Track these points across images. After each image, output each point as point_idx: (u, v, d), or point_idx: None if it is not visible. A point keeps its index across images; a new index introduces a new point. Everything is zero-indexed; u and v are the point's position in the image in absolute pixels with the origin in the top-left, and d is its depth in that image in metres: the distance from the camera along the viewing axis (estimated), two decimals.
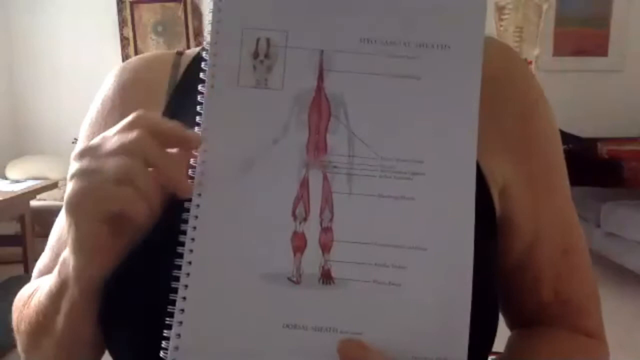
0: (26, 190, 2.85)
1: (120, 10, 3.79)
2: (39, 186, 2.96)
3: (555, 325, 0.57)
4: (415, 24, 0.44)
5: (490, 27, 3.15)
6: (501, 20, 3.19)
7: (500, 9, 3.17)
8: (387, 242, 0.42)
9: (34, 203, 2.94)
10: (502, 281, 0.56)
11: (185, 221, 0.42)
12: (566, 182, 0.58)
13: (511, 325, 0.61)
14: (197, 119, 0.43)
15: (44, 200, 3.17)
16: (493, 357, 0.56)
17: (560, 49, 3.91)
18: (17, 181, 3.19)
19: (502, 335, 0.56)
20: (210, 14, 0.44)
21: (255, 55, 0.44)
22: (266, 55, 0.43)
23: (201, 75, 0.44)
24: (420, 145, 0.43)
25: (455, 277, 0.42)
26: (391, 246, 0.42)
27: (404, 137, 0.43)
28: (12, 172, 3.45)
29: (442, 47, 0.44)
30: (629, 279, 3.11)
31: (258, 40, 0.44)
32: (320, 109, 0.43)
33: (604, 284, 3.07)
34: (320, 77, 0.43)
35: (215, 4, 0.44)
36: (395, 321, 0.41)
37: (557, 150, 0.58)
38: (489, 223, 0.53)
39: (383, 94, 0.44)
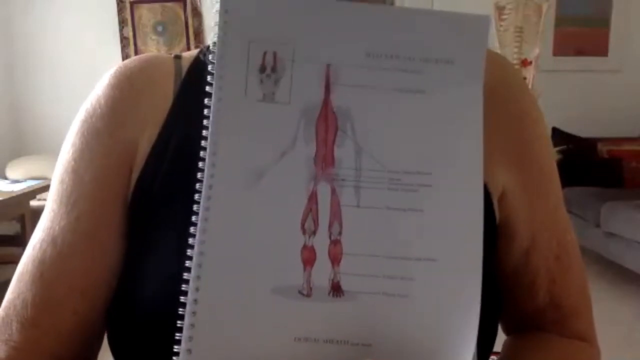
0: (26, 190, 2.85)
1: (120, 10, 3.78)
2: (38, 186, 2.95)
3: (548, 330, 0.58)
4: (420, 39, 0.44)
5: (490, 27, 3.13)
6: (501, 20, 3.18)
7: (500, 9, 3.16)
8: (395, 254, 0.42)
9: (34, 203, 2.94)
10: (499, 286, 0.56)
11: (193, 235, 0.42)
12: (559, 186, 0.59)
13: (507, 329, 0.62)
14: (204, 132, 0.43)
15: (44, 200, 3.15)
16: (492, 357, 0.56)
17: (560, 49, 3.91)
18: (17, 181, 3.18)
19: (499, 336, 0.57)
20: (217, 27, 0.44)
21: (262, 69, 0.43)
22: (273, 69, 0.43)
23: (207, 88, 0.43)
24: (427, 158, 0.43)
25: (464, 287, 0.42)
26: (399, 258, 0.42)
27: (410, 149, 0.43)
28: (12, 172, 3.44)
29: (446, 61, 0.44)
30: (628, 279, 3.11)
31: (265, 54, 0.43)
32: (327, 122, 0.43)
33: (604, 284, 3.07)
34: (327, 91, 0.43)
35: (221, 16, 0.44)
36: (404, 332, 0.41)
37: (550, 156, 0.59)
38: (490, 229, 0.54)
39: (389, 107, 0.44)
